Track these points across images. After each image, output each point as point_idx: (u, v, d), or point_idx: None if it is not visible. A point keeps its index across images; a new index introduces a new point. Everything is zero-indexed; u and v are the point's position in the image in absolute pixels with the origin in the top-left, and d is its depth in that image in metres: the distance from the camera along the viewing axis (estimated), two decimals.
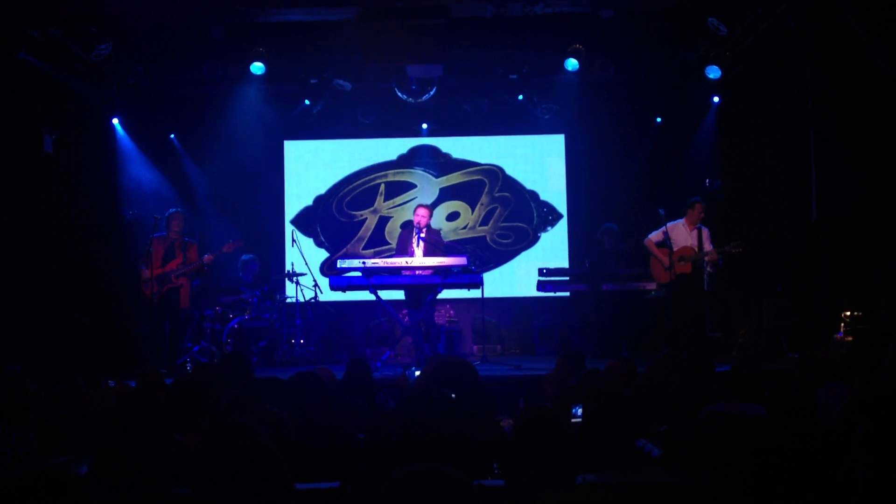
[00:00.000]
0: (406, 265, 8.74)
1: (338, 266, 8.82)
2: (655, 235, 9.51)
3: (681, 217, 9.50)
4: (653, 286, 9.73)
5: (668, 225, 9.34)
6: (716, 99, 11.24)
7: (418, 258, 8.86)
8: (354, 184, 12.38)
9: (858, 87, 8.31)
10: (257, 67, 10.31)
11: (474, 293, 9.12)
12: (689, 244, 9.33)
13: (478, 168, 12.39)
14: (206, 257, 9.44)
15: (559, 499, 2.84)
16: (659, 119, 11.83)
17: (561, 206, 12.27)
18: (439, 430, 2.95)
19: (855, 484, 2.23)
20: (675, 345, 8.92)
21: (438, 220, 12.01)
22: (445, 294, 9.61)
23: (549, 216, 12.30)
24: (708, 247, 9.33)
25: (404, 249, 9.15)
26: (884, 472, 2.16)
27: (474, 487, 1.93)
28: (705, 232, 9.42)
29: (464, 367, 4.59)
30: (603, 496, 2.88)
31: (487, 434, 2.99)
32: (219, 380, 5.02)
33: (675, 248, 9.20)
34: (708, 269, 9.37)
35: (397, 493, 1.88)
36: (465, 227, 12.27)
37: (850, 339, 7.89)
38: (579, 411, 4.12)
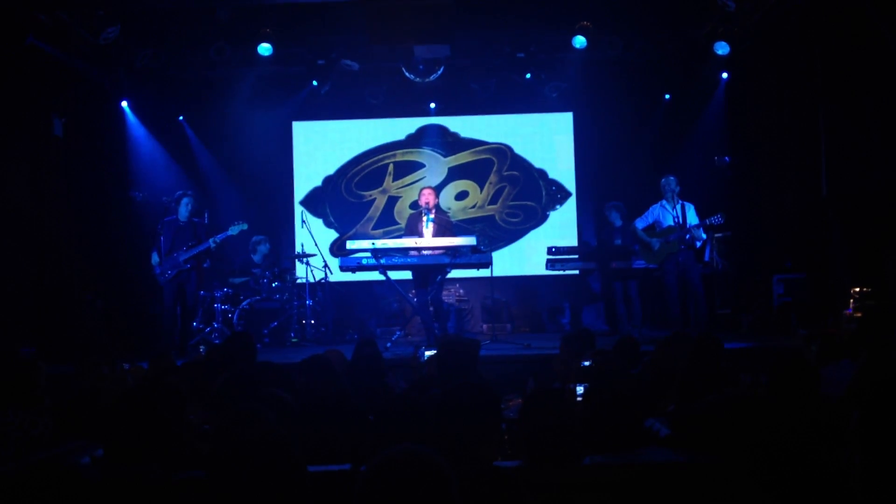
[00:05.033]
0: (415, 246, 8.76)
1: (347, 247, 8.83)
2: (641, 220, 9.39)
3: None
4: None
5: (652, 208, 9.27)
6: (725, 75, 11.16)
7: (427, 239, 8.86)
8: (363, 164, 12.38)
9: (867, 62, 8.26)
10: (265, 49, 10.29)
11: (484, 272, 9.14)
12: (671, 223, 9.20)
13: (486, 147, 12.37)
14: (213, 242, 9.16)
15: (567, 479, 2.87)
16: (667, 96, 11.77)
17: (569, 184, 12.26)
18: (452, 412, 2.97)
19: (852, 467, 2.25)
20: (684, 323, 8.91)
21: (447, 199, 12.01)
22: (455, 273, 9.65)
23: (557, 194, 12.29)
24: (694, 222, 9.19)
25: (414, 230, 9.15)
26: (880, 456, 2.17)
27: (448, 467, 1.97)
28: (690, 207, 9.25)
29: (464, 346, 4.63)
30: (611, 476, 2.90)
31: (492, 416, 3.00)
32: (220, 360, 5.01)
33: (658, 230, 9.14)
34: (694, 244, 9.19)
35: (375, 477, 1.92)
36: (473, 207, 12.26)
37: (859, 314, 7.88)
38: (580, 389, 4.12)
